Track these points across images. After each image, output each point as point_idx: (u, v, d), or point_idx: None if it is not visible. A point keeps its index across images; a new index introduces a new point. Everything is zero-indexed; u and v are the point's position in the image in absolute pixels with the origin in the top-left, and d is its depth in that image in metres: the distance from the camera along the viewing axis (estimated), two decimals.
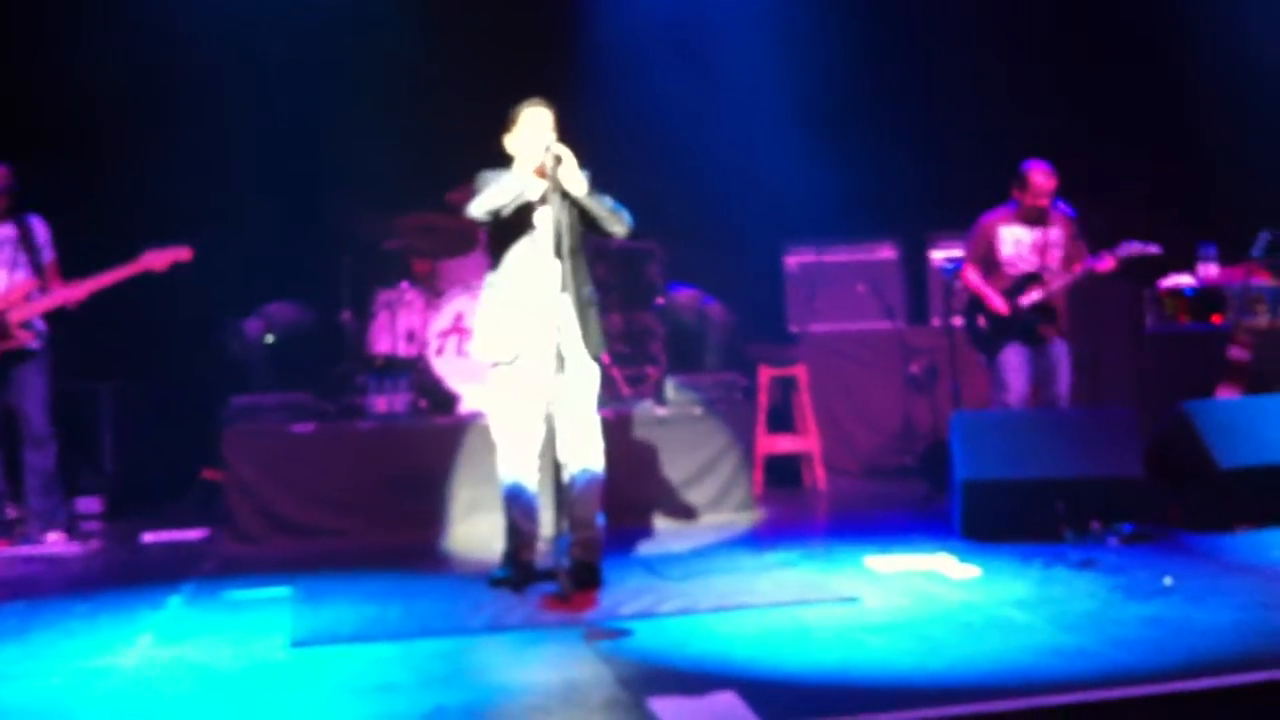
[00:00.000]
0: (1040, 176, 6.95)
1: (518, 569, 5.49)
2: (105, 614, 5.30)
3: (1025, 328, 6.98)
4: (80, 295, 6.69)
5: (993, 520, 6.09)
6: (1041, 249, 7.04)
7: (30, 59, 8.40)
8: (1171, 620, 4.55)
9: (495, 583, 5.49)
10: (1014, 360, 6.99)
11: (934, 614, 4.77)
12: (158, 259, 6.64)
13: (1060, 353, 7.00)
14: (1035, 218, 7.04)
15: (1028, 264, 7.05)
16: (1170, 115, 9.24)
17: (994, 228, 7.12)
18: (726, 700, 3.80)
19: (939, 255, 8.98)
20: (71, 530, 6.99)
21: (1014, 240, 7.07)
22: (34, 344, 6.73)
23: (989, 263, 7.12)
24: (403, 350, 7.89)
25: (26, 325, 6.71)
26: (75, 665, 4.52)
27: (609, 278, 8.17)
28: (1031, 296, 6.97)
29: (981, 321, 7.13)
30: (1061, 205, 7.05)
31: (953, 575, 5.38)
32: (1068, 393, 6.99)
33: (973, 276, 7.14)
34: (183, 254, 6.68)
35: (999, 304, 7.01)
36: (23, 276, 6.75)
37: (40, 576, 6.24)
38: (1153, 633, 4.39)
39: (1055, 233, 7.05)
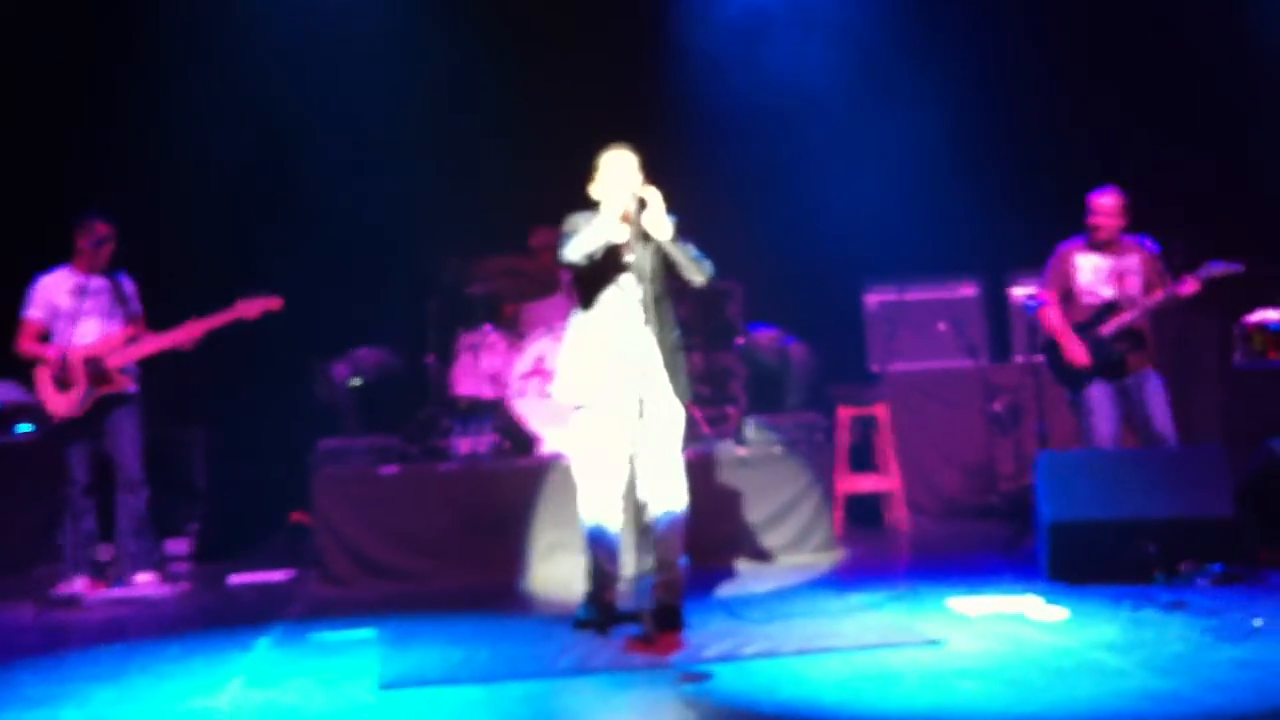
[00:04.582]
0: (1104, 200, 6.94)
1: (601, 610, 5.50)
2: (198, 656, 5.38)
3: (1110, 361, 6.85)
4: (178, 340, 6.87)
5: (1080, 562, 6.00)
6: (1119, 276, 6.96)
7: (126, 117, 8.67)
8: (1267, 662, 4.46)
9: (579, 624, 5.51)
10: (1098, 399, 6.83)
11: (1024, 657, 4.72)
12: (250, 308, 6.81)
13: (1152, 385, 6.79)
14: (1109, 246, 6.98)
15: (1105, 291, 6.95)
16: (1260, 147, 9.11)
17: (1070, 256, 7.06)
18: None
19: (1020, 292, 8.89)
20: (162, 572, 7.12)
21: (1091, 267, 7.00)
22: (131, 387, 6.92)
23: (1066, 293, 7.03)
24: (486, 392, 7.96)
25: (124, 370, 6.90)
26: (172, 708, 4.59)
27: (689, 318, 8.19)
28: (1112, 325, 6.86)
29: (1065, 356, 6.97)
30: (1144, 240, 6.98)
31: (1041, 618, 5.31)
32: (1170, 424, 6.73)
33: (1053, 317, 6.98)
34: (273, 303, 6.85)
35: (1078, 353, 6.85)
36: (118, 326, 6.94)
37: (133, 619, 6.36)
38: (1248, 675, 4.31)
39: (1132, 260, 6.98)
